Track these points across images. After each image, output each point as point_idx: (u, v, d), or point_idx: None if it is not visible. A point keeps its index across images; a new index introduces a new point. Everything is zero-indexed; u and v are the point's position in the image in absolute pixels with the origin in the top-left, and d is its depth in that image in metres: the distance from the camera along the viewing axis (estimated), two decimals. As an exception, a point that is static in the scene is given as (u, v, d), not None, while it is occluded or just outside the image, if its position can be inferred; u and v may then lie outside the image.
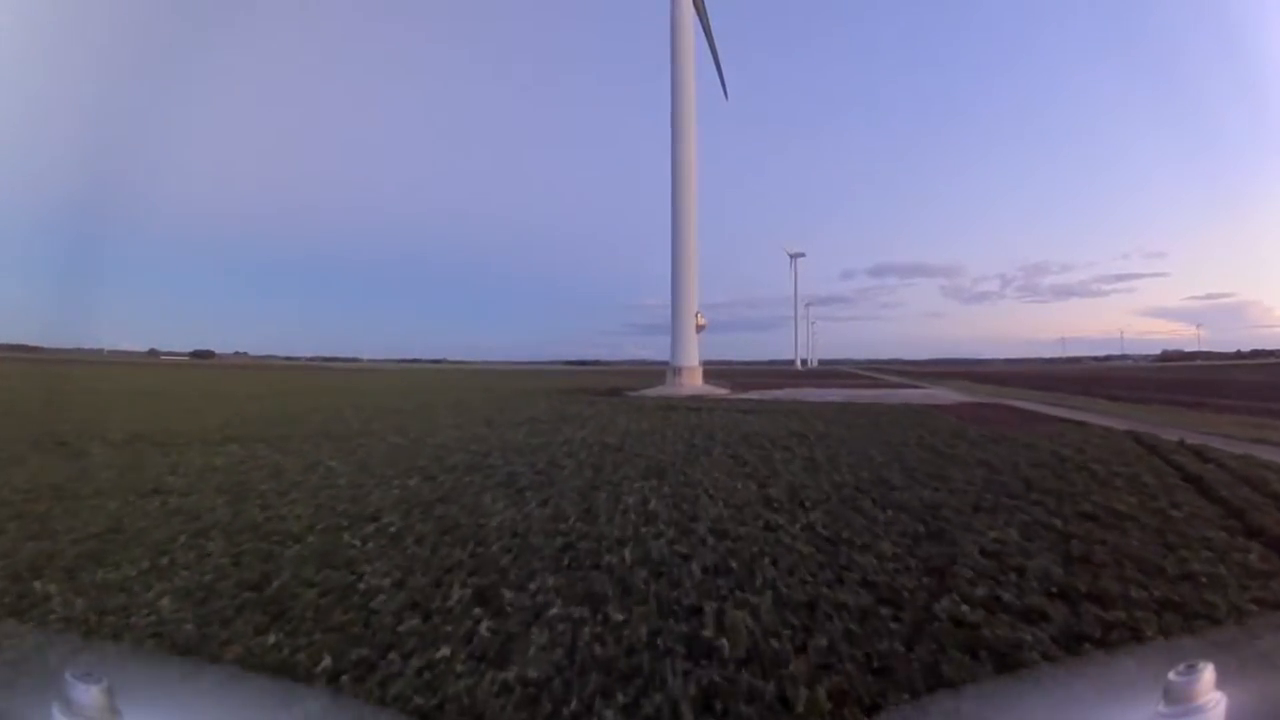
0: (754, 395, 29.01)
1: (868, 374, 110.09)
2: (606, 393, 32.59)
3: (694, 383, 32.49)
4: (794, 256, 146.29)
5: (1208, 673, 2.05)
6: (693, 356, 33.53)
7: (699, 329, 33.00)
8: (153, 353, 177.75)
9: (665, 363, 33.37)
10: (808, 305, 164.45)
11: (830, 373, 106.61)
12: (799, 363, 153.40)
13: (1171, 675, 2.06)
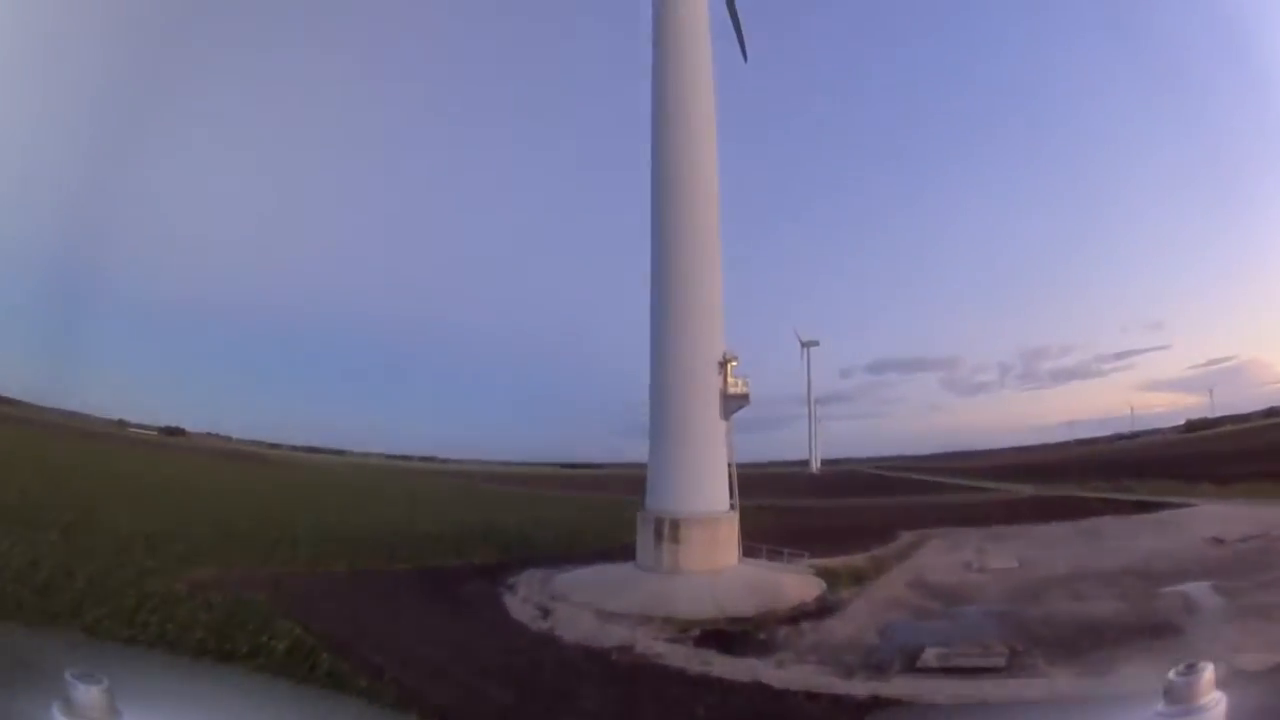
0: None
1: (904, 474, 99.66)
2: (474, 581, 18.41)
3: (718, 560, 17.11)
4: (806, 345, 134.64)
5: (1208, 673, 3.03)
6: (715, 486, 18.18)
7: (734, 400, 18.67)
8: (121, 424, 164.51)
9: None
10: (824, 402, 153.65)
11: (859, 478, 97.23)
12: (814, 465, 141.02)
13: (1171, 675, 2.99)
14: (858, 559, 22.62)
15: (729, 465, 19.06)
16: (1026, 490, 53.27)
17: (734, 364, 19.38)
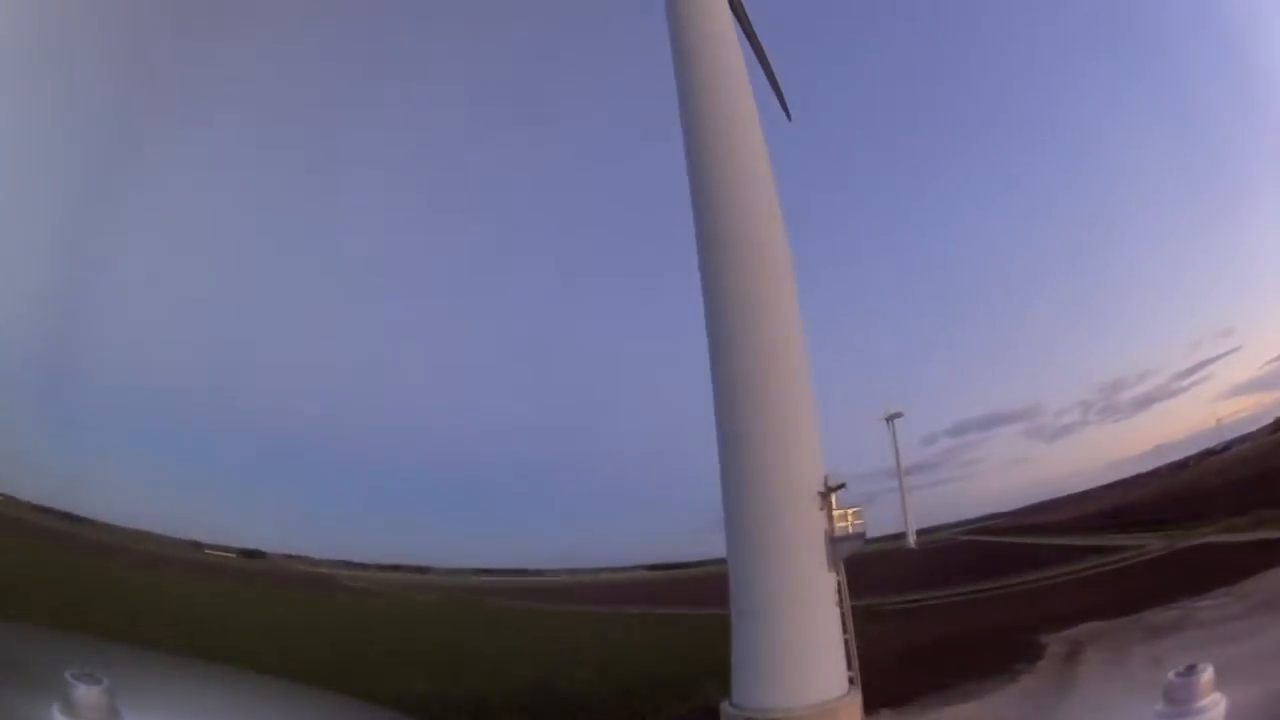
0: None
1: (1007, 540, 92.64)
2: None
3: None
4: (890, 419, 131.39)
5: (1208, 673, 5.75)
6: (826, 664, 14.18)
7: (845, 542, 15.01)
8: (196, 546, 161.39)
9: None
10: (907, 472, 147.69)
11: (962, 551, 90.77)
12: (911, 539, 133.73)
13: (1171, 675, 5.75)
14: (1008, 700, 18.94)
15: (844, 626, 14.99)
16: (1153, 543, 47.22)
17: (839, 491, 15.33)
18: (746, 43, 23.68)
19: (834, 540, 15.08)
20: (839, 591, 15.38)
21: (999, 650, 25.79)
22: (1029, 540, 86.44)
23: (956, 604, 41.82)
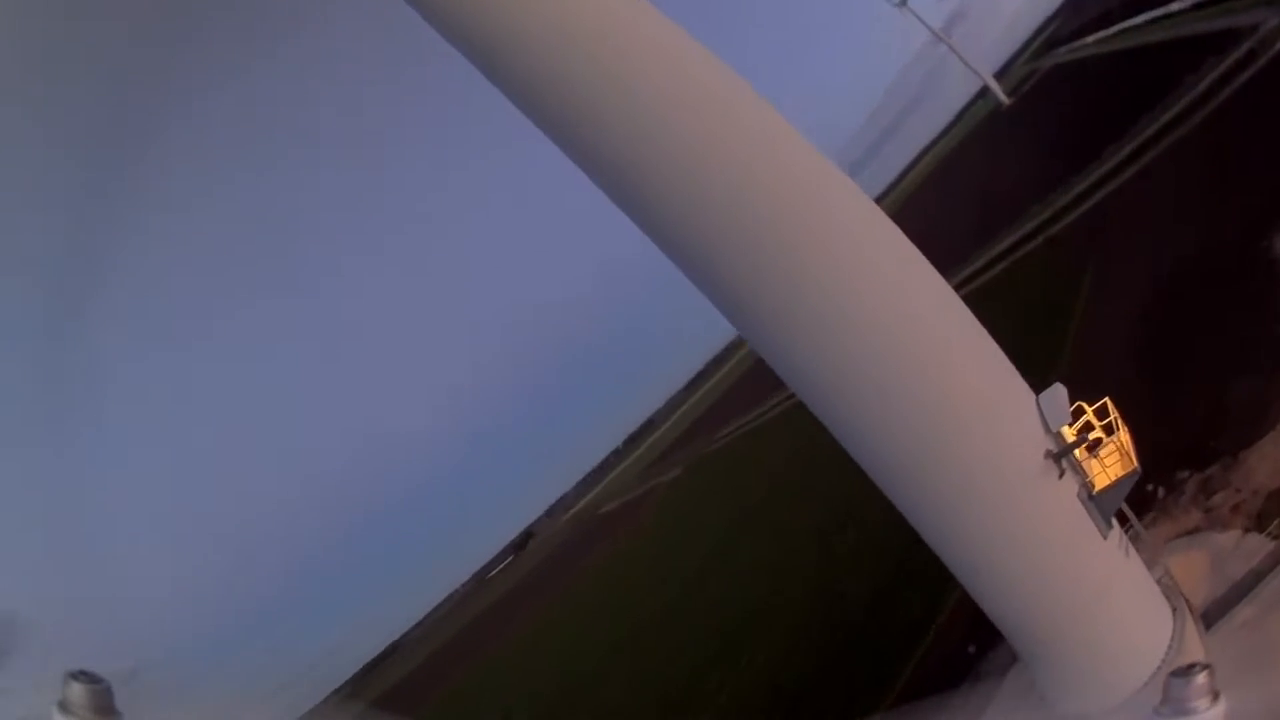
0: None
1: (1090, 53, 76.78)
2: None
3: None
4: (902, 4, 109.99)
5: (1207, 673, 2.88)
6: (1145, 630, 11.32)
7: (1113, 492, 10.95)
8: (481, 580, 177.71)
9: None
10: (950, 35, 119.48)
11: (1051, 81, 79.07)
12: (999, 94, 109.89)
13: (1171, 675, 3.05)
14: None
15: (1152, 569, 12.04)
16: (1269, 18, 36.08)
17: (1074, 423, 10.47)
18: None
19: (1097, 497, 10.68)
20: (1125, 530, 11.93)
21: (1240, 288, 21.23)
22: (1117, 45, 70.32)
23: (1116, 202, 34.87)
